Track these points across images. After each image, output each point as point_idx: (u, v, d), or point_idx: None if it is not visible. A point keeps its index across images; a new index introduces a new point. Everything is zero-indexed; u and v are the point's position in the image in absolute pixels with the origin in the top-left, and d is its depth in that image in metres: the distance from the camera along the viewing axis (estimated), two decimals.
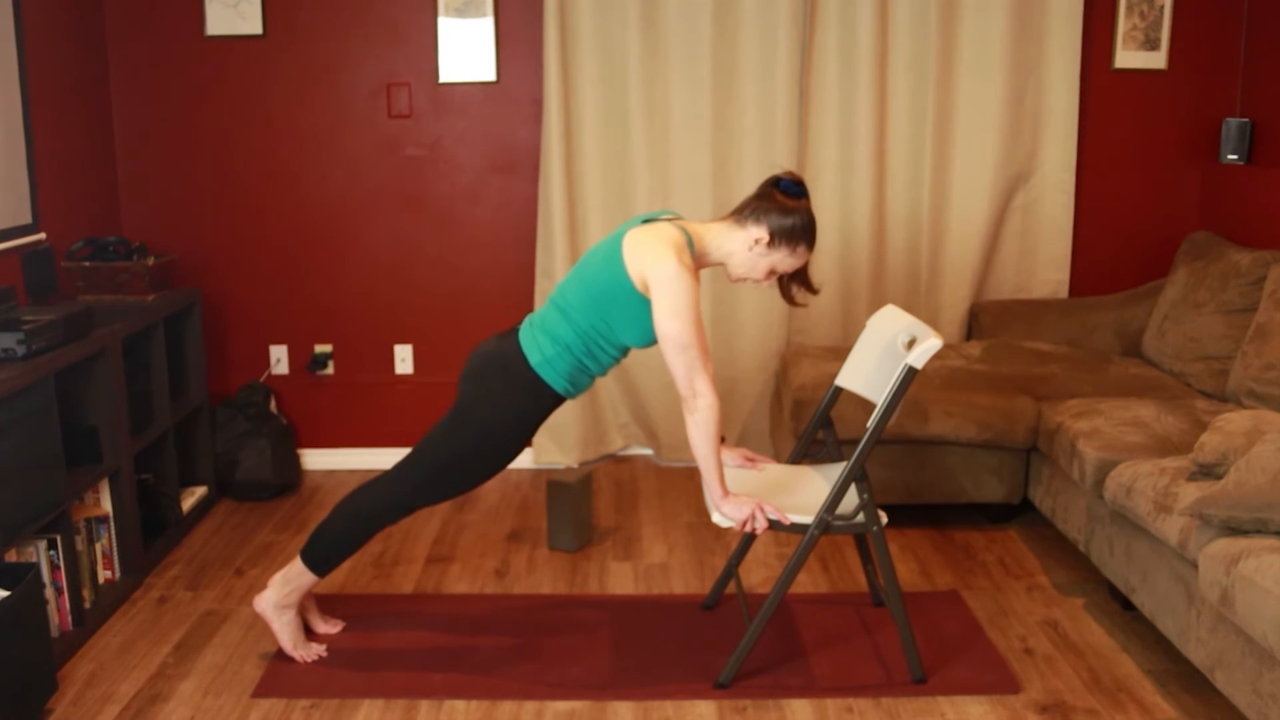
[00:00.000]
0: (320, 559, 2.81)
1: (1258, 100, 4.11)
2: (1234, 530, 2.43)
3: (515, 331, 2.74)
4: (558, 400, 2.71)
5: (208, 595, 3.30)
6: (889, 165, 4.18)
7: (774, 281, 2.71)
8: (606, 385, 4.34)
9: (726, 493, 2.62)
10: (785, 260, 2.64)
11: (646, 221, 2.66)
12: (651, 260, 2.54)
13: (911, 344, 2.65)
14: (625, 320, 2.61)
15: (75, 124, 3.86)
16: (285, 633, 2.87)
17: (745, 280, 2.70)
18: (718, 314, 4.24)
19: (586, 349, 2.66)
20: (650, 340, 2.65)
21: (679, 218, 2.74)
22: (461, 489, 2.79)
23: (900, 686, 2.75)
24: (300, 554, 2.83)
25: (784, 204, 2.62)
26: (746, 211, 2.65)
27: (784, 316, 4.22)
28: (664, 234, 2.58)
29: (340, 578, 3.38)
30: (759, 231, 2.62)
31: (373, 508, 2.79)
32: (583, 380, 2.72)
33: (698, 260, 2.66)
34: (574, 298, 2.66)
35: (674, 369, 2.56)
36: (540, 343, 2.66)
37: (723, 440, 2.97)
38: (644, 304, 2.58)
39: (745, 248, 2.64)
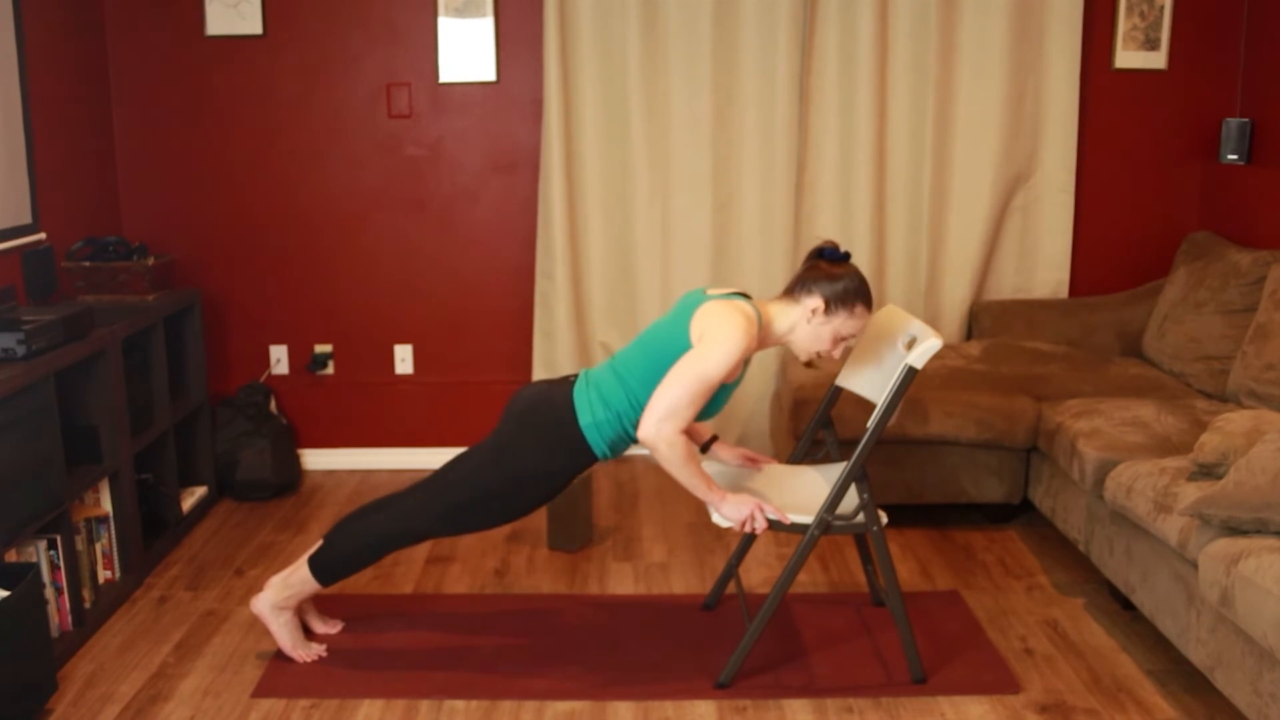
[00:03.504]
0: (328, 571, 2.81)
1: (1258, 100, 4.11)
2: (1234, 530, 2.43)
3: (568, 382, 2.73)
4: (593, 461, 2.71)
5: (208, 595, 3.30)
6: (889, 165, 4.18)
7: (840, 350, 2.69)
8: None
9: (724, 495, 2.62)
10: (847, 323, 2.64)
11: (718, 297, 2.64)
12: (717, 320, 2.54)
13: (911, 344, 2.65)
14: None
15: (75, 124, 3.86)
16: (283, 633, 2.87)
17: (814, 355, 2.69)
18: None
19: (636, 420, 2.65)
20: (718, 410, 2.67)
21: (746, 295, 2.72)
22: (481, 527, 2.79)
23: (900, 686, 2.75)
24: (308, 562, 2.82)
25: (831, 271, 2.64)
26: (798, 286, 2.67)
27: None
28: (740, 308, 2.58)
29: None
30: (814, 301, 2.63)
31: (390, 531, 2.77)
32: (621, 447, 2.71)
33: (762, 338, 2.66)
34: (635, 367, 2.65)
35: (660, 395, 2.53)
36: (594, 404, 2.65)
37: (716, 439, 2.97)
38: None
39: (805, 320, 2.65)
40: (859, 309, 2.64)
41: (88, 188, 3.96)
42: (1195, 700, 2.69)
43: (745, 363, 2.65)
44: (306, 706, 2.67)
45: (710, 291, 2.67)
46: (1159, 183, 4.31)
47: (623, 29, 4.04)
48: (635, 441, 2.70)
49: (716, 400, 2.65)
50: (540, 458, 2.67)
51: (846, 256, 2.69)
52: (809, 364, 2.78)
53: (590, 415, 2.65)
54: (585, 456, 2.69)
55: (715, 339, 2.53)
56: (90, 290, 3.63)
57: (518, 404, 2.74)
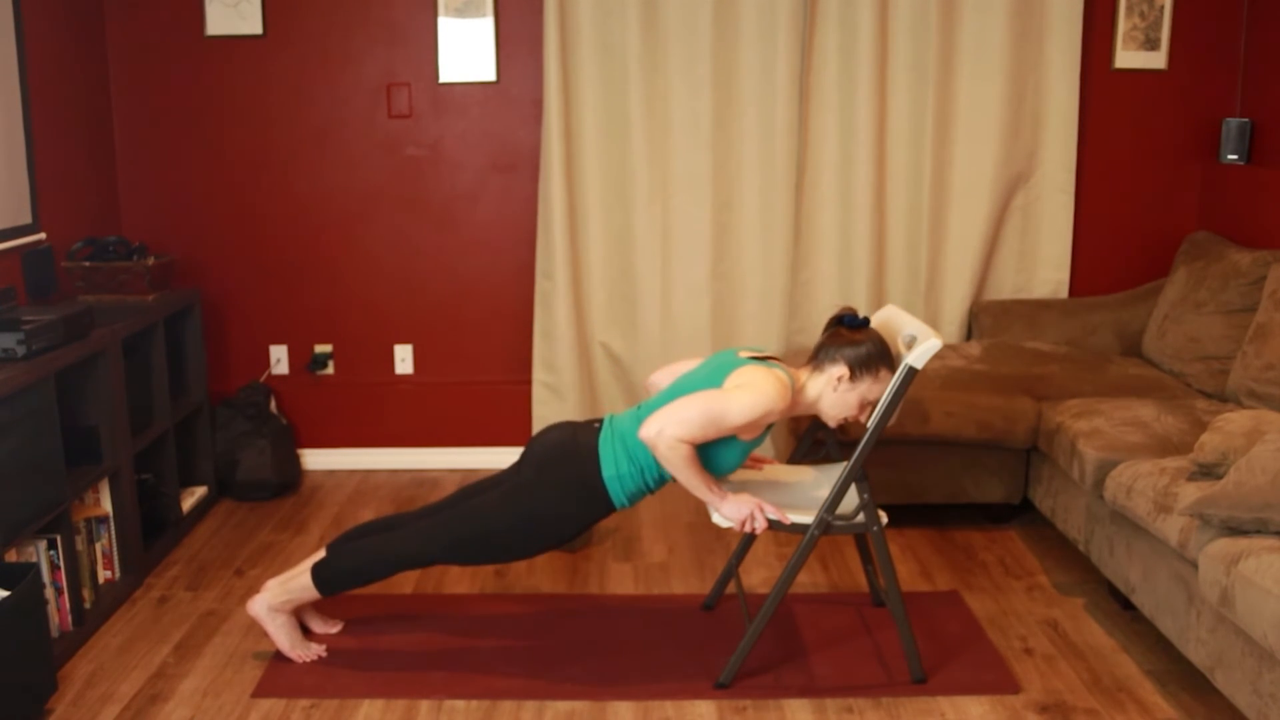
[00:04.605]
0: (331, 583, 2.80)
1: (1258, 100, 4.11)
2: (1234, 530, 2.43)
3: (593, 429, 2.72)
4: (611, 511, 2.71)
5: (208, 595, 3.30)
6: (889, 165, 4.18)
7: (869, 414, 2.71)
8: (608, 385, 4.34)
9: (724, 495, 2.62)
10: (873, 388, 2.66)
11: (753, 358, 2.65)
12: (755, 378, 2.56)
13: (911, 344, 2.65)
14: (711, 446, 2.60)
15: (75, 124, 3.86)
16: (281, 634, 2.86)
17: (841, 420, 2.71)
18: (717, 314, 4.24)
19: (659, 475, 2.66)
20: (733, 467, 2.68)
21: (780, 358, 2.73)
22: (489, 561, 2.80)
23: (900, 686, 2.75)
24: (311, 571, 2.81)
25: (852, 338, 2.66)
26: (821, 355, 2.68)
27: (783, 316, 4.21)
28: (778, 374, 2.59)
29: None
30: (838, 369, 2.64)
31: (397, 553, 2.76)
32: (639, 498, 2.71)
33: (793, 404, 2.67)
34: None
35: (674, 405, 2.54)
36: (618, 456, 2.65)
37: None
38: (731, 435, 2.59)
39: (831, 388, 2.66)
40: (883, 373, 2.66)
41: (88, 188, 3.96)
42: (1195, 700, 2.69)
43: (768, 427, 2.67)
44: (306, 706, 2.67)
45: (743, 354, 2.68)
46: (1159, 183, 4.31)
47: (623, 29, 4.04)
48: (653, 492, 2.71)
49: (731, 457, 2.66)
50: (558, 503, 2.67)
51: (865, 322, 2.71)
52: (839, 427, 2.79)
53: (614, 468, 2.64)
54: (604, 506, 2.69)
55: (749, 389, 2.54)
56: (90, 290, 3.63)
57: (540, 445, 2.73)
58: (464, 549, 2.73)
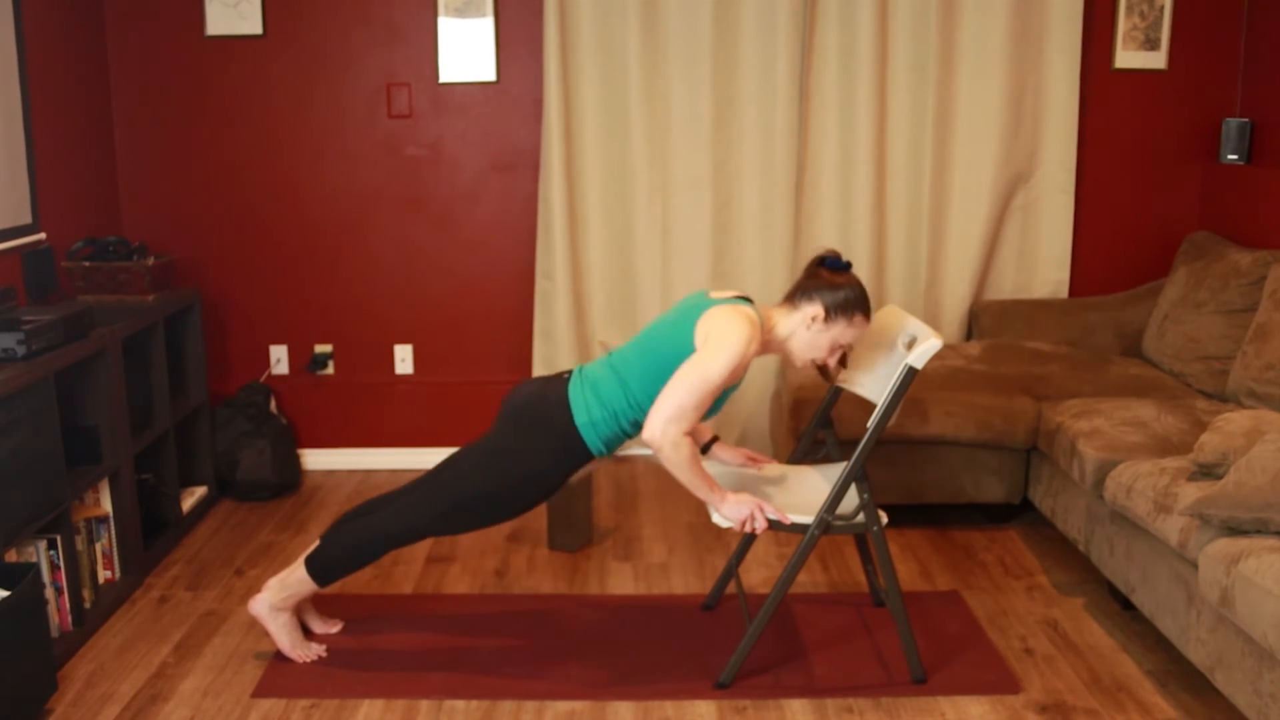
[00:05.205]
0: (325, 571, 2.81)
1: (1258, 100, 4.11)
2: (1234, 530, 2.43)
3: (562, 381, 2.72)
4: (589, 459, 2.71)
5: (208, 595, 3.30)
6: (889, 165, 4.18)
7: (837, 358, 2.71)
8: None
9: (724, 495, 2.62)
10: (845, 332, 2.65)
11: (722, 301, 2.65)
12: (723, 325, 2.54)
13: (911, 344, 2.65)
14: None
15: (75, 124, 3.86)
16: (282, 634, 2.87)
17: (809, 361, 2.71)
18: None
19: (633, 420, 2.65)
20: (715, 411, 2.66)
21: (749, 299, 2.72)
22: (478, 526, 2.79)
23: (900, 686, 2.75)
24: (305, 562, 2.82)
25: (832, 279, 2.65)
26: (798, 293, 2.68)
27: None
28: (745, 312, 2.59)
29: None
30: (814, 309, 2.64)
31: (386, 531, 2.76)
32: (616, 444, 2.71)
33: (763, 344, 2.67)
34: (635, 366, 2.64)
35: (665, 397, 2.53)
36: (589, 403, 2.65)
37: (716, 439, 2.97)
38: None
39: (804, 327, 2.65)
40: (858, 318, 2.65)
41: (88, 188, 3.96)
42: (1195, 700, 2.69)
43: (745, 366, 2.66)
44: (306, 706, 2.67)
45: (713, 295, 2.67)
46: (1159, 183, 4.31)
47: (623, 29, 4.05)
48: (630, 437, 2.70)
49: (716, 402, 2.65)
50: (535, 457, 2.67)
51: (848, 266, 2.70)
52: (822, 371, 2.78)
53: (586, 414, 2.64)
54: (581, 455, 2.68)
55: (720, 343, 2.53)
56: (90, 290, 3.63)
57: (512, 403, 2.74)
58: (452, 518, 2.73)
